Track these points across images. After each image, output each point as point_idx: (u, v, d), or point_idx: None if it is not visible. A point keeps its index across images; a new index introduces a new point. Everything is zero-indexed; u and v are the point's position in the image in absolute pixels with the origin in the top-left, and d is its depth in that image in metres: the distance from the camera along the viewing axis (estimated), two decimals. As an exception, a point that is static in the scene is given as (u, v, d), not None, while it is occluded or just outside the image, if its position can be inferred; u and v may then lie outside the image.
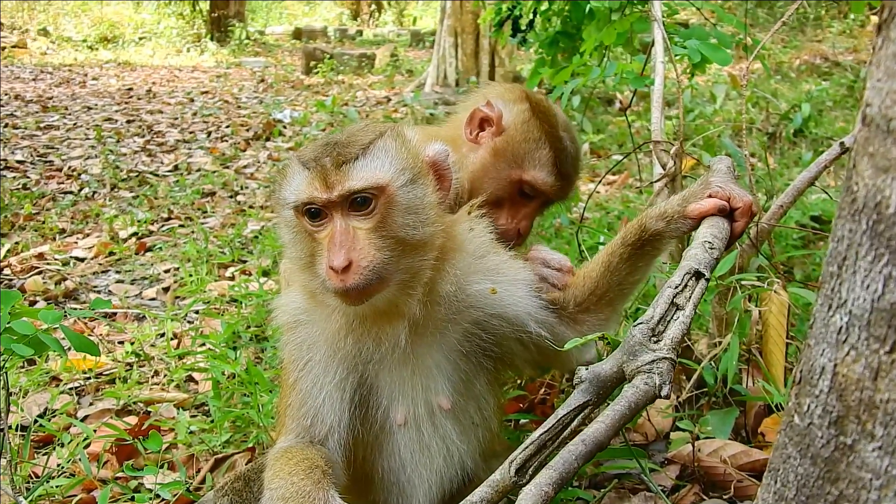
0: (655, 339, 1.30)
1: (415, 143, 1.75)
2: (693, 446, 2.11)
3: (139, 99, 11.25)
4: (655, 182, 2.56)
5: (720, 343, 2.34)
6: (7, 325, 1.91)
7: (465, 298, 1.77)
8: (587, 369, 1.31)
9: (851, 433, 0.97)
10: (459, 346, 1.80)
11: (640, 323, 1.31)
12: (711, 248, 1.52)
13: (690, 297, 1.40)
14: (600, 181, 4.17)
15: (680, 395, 2.38)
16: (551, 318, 1.82)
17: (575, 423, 1.29)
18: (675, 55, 2.79)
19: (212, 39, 19.68)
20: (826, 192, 3.08)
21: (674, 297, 1.39)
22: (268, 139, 8.47)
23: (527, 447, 1.27)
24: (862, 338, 0.96)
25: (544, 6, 4.25)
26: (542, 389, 2.75)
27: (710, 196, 1.69)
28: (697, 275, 1.45)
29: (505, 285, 1.79)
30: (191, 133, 8.81)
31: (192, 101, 11.09)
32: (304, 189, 1.63)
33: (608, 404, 1.26)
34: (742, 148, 2.76)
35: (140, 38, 20.21)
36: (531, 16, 4.39)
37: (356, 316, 1.70)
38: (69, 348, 2.13)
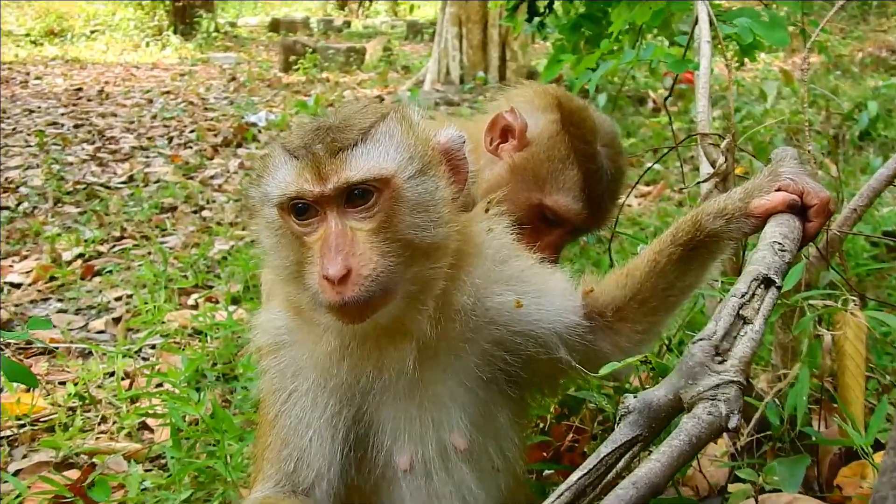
0: (720, 358, 1.26)
1: (423, 127, 1.74)
2: (756, 502, 2.08)
3: (89, 100, 11.39)
4: (703, 182, 2.53)
5: (785, 376, 2.28)
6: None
7: (485, 313, 1.76)
8: (636, 396, 1.27)
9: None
10: (478, 372, 1.78)
11: (701, 339, 1.27)
12: (782, 251, 1.49)
13: (760, 309, 1.37)
14: (631, 191, 4.12)
15: (738, 439, 2.32)
16: (587, 335, 1.82)
17: (621, 463, 1.25)
18: (723, 36, 2.78)
19: (175, 32, 19.96)
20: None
21: (739, 307, 1.36)
22: (239, 145, 8.53)
23: (561, 494, 1.22)
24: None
25: (566, -16, 4.30)
26: (570, 435, 2.71)
27: (778, 189, 1.67)
28: (767, 282, 1.43)
29: (532, 296, 1.78)
30: (149, 139, 8.88)
31: (151, 102, 11.21)
32: (291, 181, 1.61)
33: (662, 440, 1.23)
34: (801, 152, 2.75)
35: (92, 32, 20.50)
36: (551, -4, 4.43)
37: (353, 336, 1.68)
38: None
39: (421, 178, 1.65)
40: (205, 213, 6.28)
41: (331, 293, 1.53)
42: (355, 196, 1.59)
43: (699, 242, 1.77)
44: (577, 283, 1.94)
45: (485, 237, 1.81)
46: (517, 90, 2.64)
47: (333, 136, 1.63)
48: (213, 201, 6.60)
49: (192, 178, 7.30)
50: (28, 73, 14.20)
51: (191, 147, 8.49)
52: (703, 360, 1.27)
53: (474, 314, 1.74)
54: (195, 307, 4.39)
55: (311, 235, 1.61)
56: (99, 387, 3.52)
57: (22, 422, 3.21)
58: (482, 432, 1.79)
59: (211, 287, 4.68)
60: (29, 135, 8.94)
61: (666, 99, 3.50)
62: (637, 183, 3.77)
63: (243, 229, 5.69)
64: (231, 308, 4.13)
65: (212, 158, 8.05)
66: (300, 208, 1.62)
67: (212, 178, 7.32)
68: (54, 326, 4.15)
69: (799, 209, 1.66)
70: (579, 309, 1.86)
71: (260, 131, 9.01)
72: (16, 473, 2.84)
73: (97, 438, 3.08)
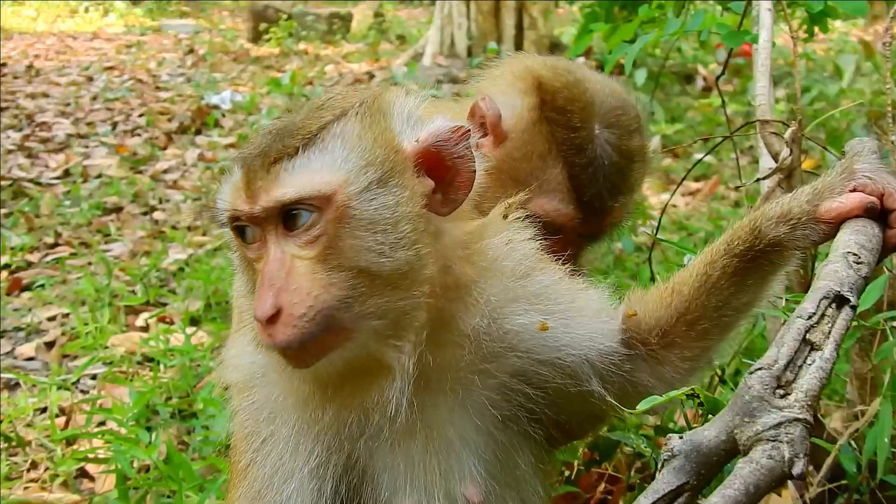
0: (782, 391, 1.27)
1: (396, 122, 1.76)
2: (829, 566, 2.13)
3: (16, 78, 11.41)
4: (764, 179, 2.55)
5: (863, 413, 2.31)
6: None
7: (503, 337, 1.78)
8: (681, 437, 1.29)
9: None
10: (494, 409, 1.79)
11: (760, 368, 1.28)
12: (858, 264, 1.50)
13: (831, 333, 1.37)
14: (677, 189, 4.12)
15: (806, 489, 2.33)
16: (624, 364, 1.85)
17: (666, 516, 1.24)
18: (788, 2, 2.80)
19: (120, -5, 20.05)
20: None
21: (806, 331, 1.37)
22: (198, 132, 8.55)
23: (592, 555, 1.23)
24: None
25: (598, -63, 4.29)
26: (602, 484, 2.73)
27: (854, 190, 1.69)
28: (840, 300, 1.43)
29: (560, 317, 1.80)
30: (89, 124, 8.92)
31: (90, 80, 11.23)
32: (227, 198, 1.69)
33: (714, 489, 1.22)
34: (882, 141, 2.76)
35: (18, -5, 20.61)
36: (578, -48, 4.48)
37: (322, 378, 1.71)
38: None
39: (377, 191, 1.67)
40: (157, 215, 6.26)
41: (263, 335, 1.60)
42: (293, 217, 1.63)
43: (759, 252, 1.79)
44: (614, 302, 1.96)
45: (502, 249, 1.82)
46: (496, 68, 2.65)
47: (272, 144, 1.67)
48: (167, 200, 6.57)
49: (141, 172, 7.31)
50: (-61, 45, 14.30)
51: (139, 135, 8.50)
52: (763, 393, 1.27)
53: (488, 339, 1.76)
54: (145, 329, 4.39)
55: (259, 262, 1.67)
56: (28, 425, 3.51)
57: (-68, 468, 3.20)
58: (499, 481, 1.80)
59: (164, 305, 4.66)
60: (-60, 120, 8.98)
61: (719, 77, 3.51)
62: (684, 179, 3.81)
63: (204, 234, 5.69)
64: (189, 330, 4.09)
65: (165, 148, 8.03)
66: (242, 229, 1.69)
67: (165, 172, 7.30)
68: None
69: (879, 214, 1.66)
70: (616, 333, 1.88)
71: (224, 115, 9.02)
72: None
73: (26, 488, 3.08)
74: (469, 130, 1.76)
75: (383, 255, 1.64)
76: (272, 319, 1.56)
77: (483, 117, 2.41)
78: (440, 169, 1.75)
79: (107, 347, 4.09)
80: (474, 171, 1.76)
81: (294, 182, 1.62)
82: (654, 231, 3.19)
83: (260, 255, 1.66)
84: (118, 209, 6.41)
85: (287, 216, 1.63)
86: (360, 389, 1.72)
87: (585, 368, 1.81)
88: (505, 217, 1.88)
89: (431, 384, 1.74)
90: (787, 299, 2.25)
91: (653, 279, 2.93)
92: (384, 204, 1.66)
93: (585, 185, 2.39)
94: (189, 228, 5.93)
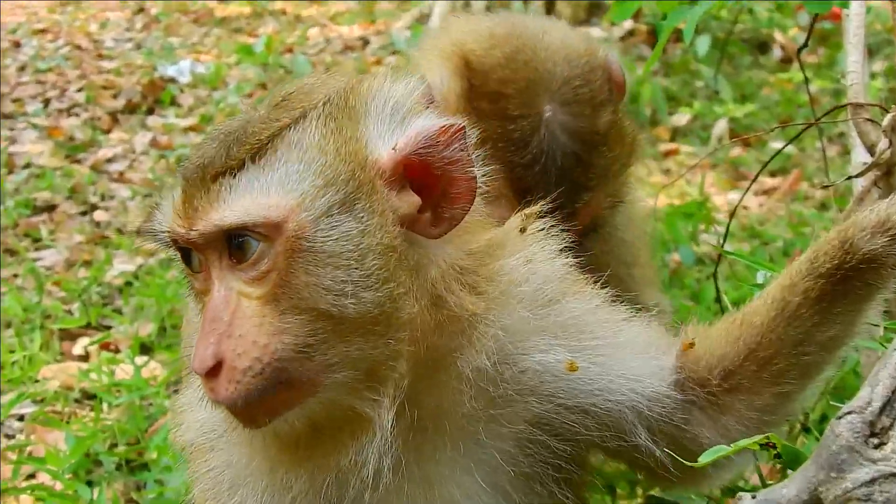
0: (876, 440, 1.29)
1: (370, 124, 1.77)
2: None
3: (-79, 43, 11.39)
4: (857, 177, 2.56)
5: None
6: None
7: (518, 378, 1.80)
8: (754, 497, 1.32)
9: None
10: (510, 465, 1.82)
11: (850, 412, 1.31)
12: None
13: (936, 370, 1.39)
14: (749, 187, 4.00)
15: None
16: (678, 413, 1.86)
17: None
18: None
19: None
20: None
21: (906, 368, 1.38)
22: (151, 112, 8.49)
23: None
24: None
25: None
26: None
27: None
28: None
29: (593, 353, 1.83)
30: (15, 101, 8.90)
31: (17, 46, 11.15)
32: (166, 217, 1.74)
33: None
34: None
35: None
36: None
37: (290, 437, 1.74)
38: None
39: (339, 217, 1.69)
40: (98, 216, 6.21)
41: (205, 388, 1.65)
42: (240, 247, 1.66)
43: (850, 271, 1.79)
44: (666, 334, 1.96)
45: (520, 272, 1.84)
46: (430, 38, 2.73)
47: (214, 154, 1.70)
48: (112, 197, 6.51)
49: (79, 161, 7.28)
50: None
51: (77, 114, 8.46)
52: (853, 442, 1.28)
53: (500, 379, 1.78)
54: (84, 358, 4.40)
55: (207, 296, 1.70)
56: (-60, 477, 3.49)
57: None
58: None
59: (108, 328, 4.66)
60: None
61: (801, 48, 3.49)
62: (758, 175, 3.81)
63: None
64: (139, 360, 4.08)
65: (109, 132, 7.97)
66: (186, 254, 1.74)
67: (109, 161, 7.26)
68: None
69: None
70: (669, 373, 1.89)
71: (182, 91, 8.96)
72: None
73: (-61, 556, 3.09)
74: (464, 128, 1.76)
75: (346, 295, 1.65)
76: (213, 372, 1.60)
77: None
78: (429, 180, 1.76)
79: (37, 381, 4.08)
80: (475, 178, 1.77)
81: (237, 204, 1.64)
82: (721, 240, 3.19)
83: (207, 287, 1.70)
84: (51, 207, 6.38)
85: (233, 245, 1.66)
86: (335, 448, 1.75)
87: (629, 417, 1.82)
88: (522, 231, 1.89)
89: (427, 435, 1.77)
90: (885, 327, 2.21)
91: (718, 300, 2.95)
92: (347, 233, 1.68)
93: (532, 188, 2.38)
94: (139, 232, 5.79)
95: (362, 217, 1.69)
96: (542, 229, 1.90)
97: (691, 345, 1.91)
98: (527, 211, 1.93)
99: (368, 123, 1.76)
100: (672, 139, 7.05)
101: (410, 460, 1.74)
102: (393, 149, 1.74)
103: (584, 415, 1.81)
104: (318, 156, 1.70)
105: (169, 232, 1.70)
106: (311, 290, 1.64)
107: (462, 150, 1.75)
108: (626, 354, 1.85)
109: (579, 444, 1.84)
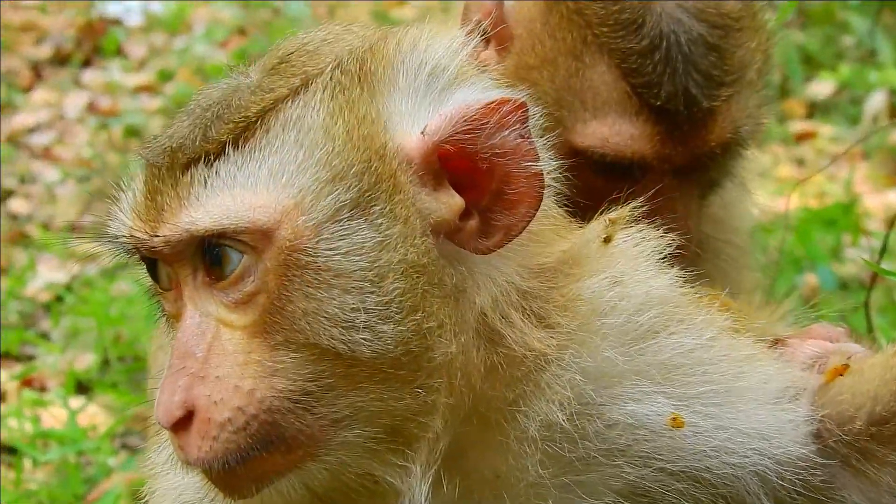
0: None
1: (395, 97, 1.67)
2: None
3: None
4: None
5: None
6: None
7: (604, 435, 1.76)
8: None
9: None
10: None
11: None
12: None
13: None
14: None
15: None
16: (818, 474, 1.81)
17: None
18: None
19: None
20: None
21: None
22: (87, 64, 7.86)
23: None
24: None
25: None
26: None
27: None
28: None
29: (705, 403, 1.77)
30: None
31: None
32: (125, 216, 1.68)
33: None
34: None
35: None
36: None
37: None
38: None
39: (350, 224, 1.58)
40: (16, 206, 5.89)
41: (173, 444, 1.59)
42: (218, 258, 1.58)
43: None
44: (799, 372, 1.90)
45: (605, 297, 1.77)
46: None
47: (187, 135, 1.62)
48: (35, 181, 6.12)
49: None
50: None
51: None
52: None
53: (580, 440, 1.74)
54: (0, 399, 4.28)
55: (179, 322, 1.67)
56: None
57: None
58: None
59: (31, 358, 4.55)
60: None
61: None
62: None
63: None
64: (74, 403, 3.99)
65: (30, 90, 7.38)
66: (152, 266, 1.68)
67: (31, 131, 6.86)
68: None
69: None
70: (804, 425, 1.84)
71: (131, 36, 8.32)
72: None
73: None
74: (524, 104, 1.65)
75: (358, 328, 1.57)
76: (181, 424, 1.53)
77: (480, 16, 2.43)
78: (475, 176, 1.66)
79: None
80: (541, 174, 1.66)
81: (213, 202, 1.57)
82: (878, 256, 3.27)
83: (178, 309, 1.65)
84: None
85: (209, 256, 1.58)
86: None
87: (752, 485, 1.80)
88: (607, 241, 1.82)
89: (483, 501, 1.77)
90: None
91: (870, 331, 3.03)
92: (360, 245, 1.59)
93: (655, 83, 2.39)
94: (75, 229, 5.37)
95: (381, 224, 1.60)
96: (635, 238, 1.83)
97: (839, 372, 1.84)
98: (612, 215, 1.84)
99: (393, 97, 1.67)
100: (809, 116, 6.75)
101: None
102: (422, 133, 1.64)
103: (693, 483, 1.78)
104: (323, 140, 1.61)
105: (129, 237, 1.63)
106: (310, 321, 1.56)
107: (522, 136, 1.65)
108: (748, 404, 1.80)
109: None
